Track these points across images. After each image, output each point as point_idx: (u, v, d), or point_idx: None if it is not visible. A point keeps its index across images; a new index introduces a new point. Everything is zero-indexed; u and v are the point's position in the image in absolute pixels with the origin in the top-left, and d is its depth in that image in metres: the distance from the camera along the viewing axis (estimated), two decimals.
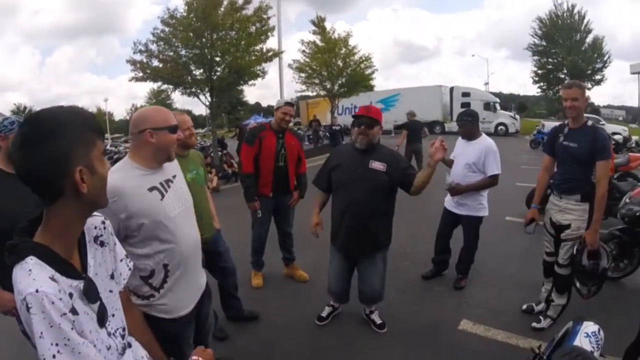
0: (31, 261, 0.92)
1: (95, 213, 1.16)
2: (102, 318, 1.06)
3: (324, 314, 3.46)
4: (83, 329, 0.97)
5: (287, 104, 4.01)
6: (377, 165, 2.90)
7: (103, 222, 1.21)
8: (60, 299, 0.90)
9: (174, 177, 1.92)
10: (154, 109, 1.88)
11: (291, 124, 4.50)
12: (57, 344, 0.89)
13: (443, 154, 2.64)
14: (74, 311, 0.93)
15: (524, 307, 3.50)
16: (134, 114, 1.86)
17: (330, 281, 3.33)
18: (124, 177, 1.70)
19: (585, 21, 32.47)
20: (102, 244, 1.18)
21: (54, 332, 0.88)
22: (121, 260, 1.29)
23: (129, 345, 1.23)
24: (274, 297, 3.98)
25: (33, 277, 0.89)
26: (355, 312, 3.48)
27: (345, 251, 3.15)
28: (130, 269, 1.33)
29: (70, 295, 0.95)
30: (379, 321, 3.32)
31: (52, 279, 0.92)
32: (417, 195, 2.94)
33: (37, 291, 0.87)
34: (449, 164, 4.04)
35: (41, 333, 0.87)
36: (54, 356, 0.88)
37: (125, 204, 1.66)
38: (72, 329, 0.91)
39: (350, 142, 3.14)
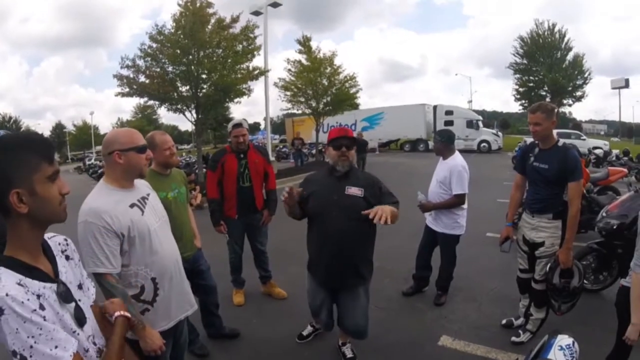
0: (0, 270, 1.05)
1: (55, 234, 1.30)
2: (80, 318, 1.18)
3: (304, 333, 3.42)
4: (65, 325, 1.11)
5: (235, 126, 3.90)
6: (353, 190, 2.67)
7: (65, 240, 1.34)
8: (28, 299, 1.02)
9: (148, 195, 2.03)
10: (122, 130, 1.98)
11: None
12: (32, 336, 1.00)
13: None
14: (42, 307, 1.05)
15: (504, 321, 3.53)
16: (105, 137, 1.95)
17: (314, 310, 3.05)
18: (105, 199, 1.81)
19: (565, 39, 33.57)
20: (67, 258, 1.29)
21: (28, 326, 1.00)
22: (87, 277, 1.38)
23: None
24: (255, 315, 3.96)
25: (2, 284, 1.01)
26: (335, 329, 3.46)
27: (325, 284, 2.90)
28: (94, 287, 1.42)
29: (38, 296, 1.06)
30: (349, 355, 3.12)
31: (19, 284, 1.04)
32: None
33: (7, 295, 0.99)
34: None
35: (16, 329, 0.99)
36: (31, 346, 1.00)
37: (120, 222, 1.77)
38: (44, 320, 1.03)
39: (325, 168, 2.91)
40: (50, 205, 1.13)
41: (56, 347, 1.03)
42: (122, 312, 1.36)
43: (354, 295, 2.83)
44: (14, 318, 0.99)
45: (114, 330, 1.29)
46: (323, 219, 2.71)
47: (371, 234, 2.80)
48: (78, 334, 1.15)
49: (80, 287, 1.28)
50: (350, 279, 2.78)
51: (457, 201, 3.84)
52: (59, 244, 1.29)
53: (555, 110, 3.06)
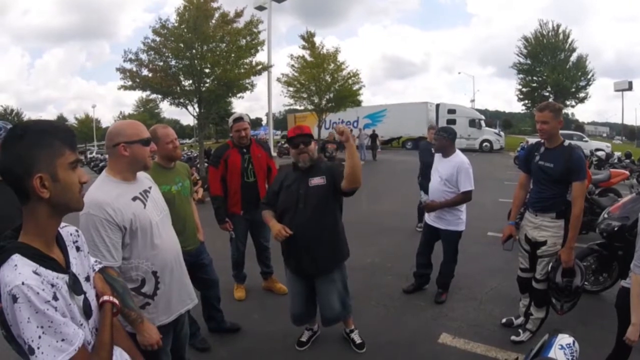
0: (16, 257, 1.05)
1: (66, 224, 1.28)
2: (87, 310, 1.18)
3: (304, 339, 3.34)
4: (74, 316, 1.10)
5: (236, 120, 3.88)
6: (316, 180, 2.84)
7: (77, 231, 1.33)
8: (43, 289, 1.03)
9: (150, 188, 2.04)
10: (127, 123, 1.98)
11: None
12: (41, 327, 1.01)
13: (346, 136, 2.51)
14: (55, 297, 1.05)
15: (504, 320, 3.54)
16: (108, 129, 1.94)
17: (290, 303, 3.17)
18: (107, 191, 1.80)
19: (569, 40, 33.50)
20: (78, 249, 1.29)
21: (39, 317, 1.01)
22: (93, 270, 1.38)
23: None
24: (256, 310, 3.98)
25: (19, 271, 1.02)
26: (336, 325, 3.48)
27: (300, 273, 3.02)
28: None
29: (52, 285, 1.06)
30: (358, 341, 3.25)
31: (35, 272, 1.04)
32: (354, 188, 2.71)
33: (22, 284, 1.00)
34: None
35: (28, 318, 1.00)
36: (39, 337, 1.01)
37: (122, 214, 1.77)
38: (55, 312, 1.04)
39: (291, 164, 3.04)
40: (70, 192, 1.14)
41: (63, 340, 1.04)
42: (110, 298, 1.34)
43: (329, 279, 2.99)
44: (27, 307, 0.99)
45: (103, 319, 1.26)
46: (291, 213, 2.85)
47: (338, 217, 2.99)
48: (84, 326, 1.15)
49: (87, 279, 1.27)
50: (323, 263, 2.93)
51: (465, 198, 3.87)
52: (71, 234, 1.29)
53: (562, 110, 3.07)
